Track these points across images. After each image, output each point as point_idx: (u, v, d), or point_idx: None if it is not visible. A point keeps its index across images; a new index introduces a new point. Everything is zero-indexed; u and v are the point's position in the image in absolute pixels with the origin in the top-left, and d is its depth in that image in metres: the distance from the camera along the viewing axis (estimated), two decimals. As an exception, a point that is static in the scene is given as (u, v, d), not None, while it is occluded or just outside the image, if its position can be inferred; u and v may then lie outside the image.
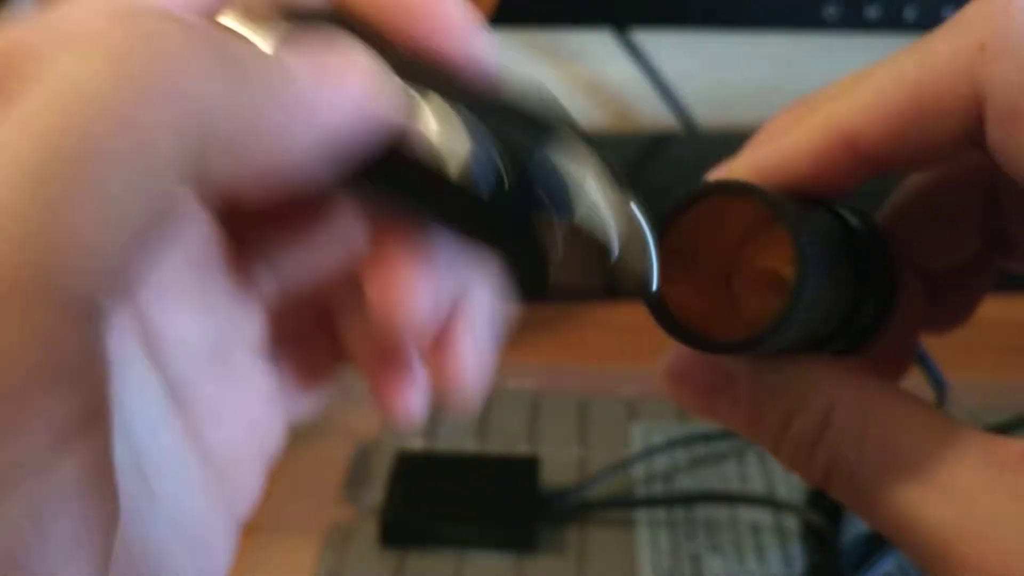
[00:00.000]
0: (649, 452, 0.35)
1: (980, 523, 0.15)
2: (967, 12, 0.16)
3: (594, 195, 0.14)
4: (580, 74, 0.65)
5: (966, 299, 0.22)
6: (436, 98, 0.14)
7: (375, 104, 0.14)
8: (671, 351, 0.19)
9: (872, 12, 0.49)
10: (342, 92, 0.14)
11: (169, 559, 0.17)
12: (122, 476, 0.15)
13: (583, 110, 0.66)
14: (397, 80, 0.14)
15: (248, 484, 0.20)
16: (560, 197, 0.14)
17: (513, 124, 0.14)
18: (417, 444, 0.36)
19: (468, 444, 0.36)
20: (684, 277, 0.17)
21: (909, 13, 0.49)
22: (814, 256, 0.16)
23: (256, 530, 0.32)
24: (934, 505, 0.16)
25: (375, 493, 0.33)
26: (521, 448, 0.36)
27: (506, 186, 0.14)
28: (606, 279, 0.15)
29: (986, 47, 0.15)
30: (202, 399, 0.18)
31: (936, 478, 0.16)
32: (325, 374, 0.21)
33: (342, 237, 0.20)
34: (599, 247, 0.14)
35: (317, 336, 0.20)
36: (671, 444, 0.35)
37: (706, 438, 0.36)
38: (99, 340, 0.12)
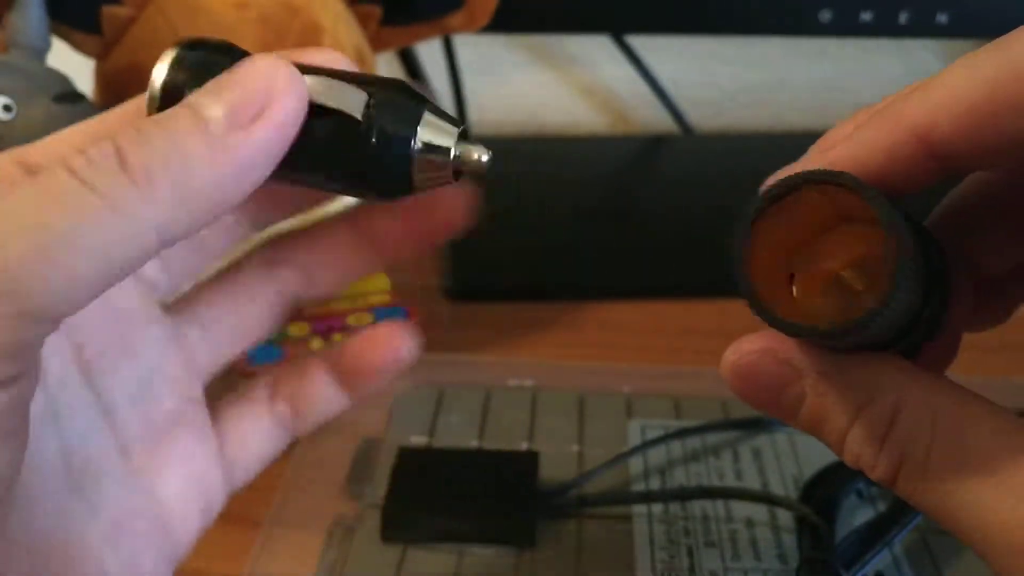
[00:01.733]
0: (646, 446, 0.36)
1: None
2: None
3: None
4: (579, 78, 0.65)
5: (1011, 301, 0.22)
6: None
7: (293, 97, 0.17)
8: (736, 346, 0.19)
9: (866, 16, 0.50)
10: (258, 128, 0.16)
11: (102, 567, 0.18)
12: (49, 466, 0.18)
13: (582, 113, 0.67)
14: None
15: (185, 528, 0.21)
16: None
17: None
18: (419, 441, 0.37)
19: (469, 441, 0.37)
20: (776, 266, 0.18)
21: (903, 17, 0.50)
22: (909, 250, 0.16)
23: (261, 523, 0.33)
24: (1009, 506, 0.16)
25: (378, 488, 0.34)
26: (520, 445, 0.36)
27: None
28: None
29: None
30: (137, 434, 0.21)
31: (1009, 478, 0.16)
32: (270, 446, 0.23)
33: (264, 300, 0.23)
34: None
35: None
36: (667, 438, 0.36)
37: (701, 430, 0.36)
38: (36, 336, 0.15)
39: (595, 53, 0.64)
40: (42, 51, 0.34)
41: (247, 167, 0.16)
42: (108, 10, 0.36)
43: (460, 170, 0.18)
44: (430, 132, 0.18)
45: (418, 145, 0.18)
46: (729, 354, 0.19)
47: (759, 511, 0.33)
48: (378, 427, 0.37)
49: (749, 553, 0.32)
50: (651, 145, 0.62)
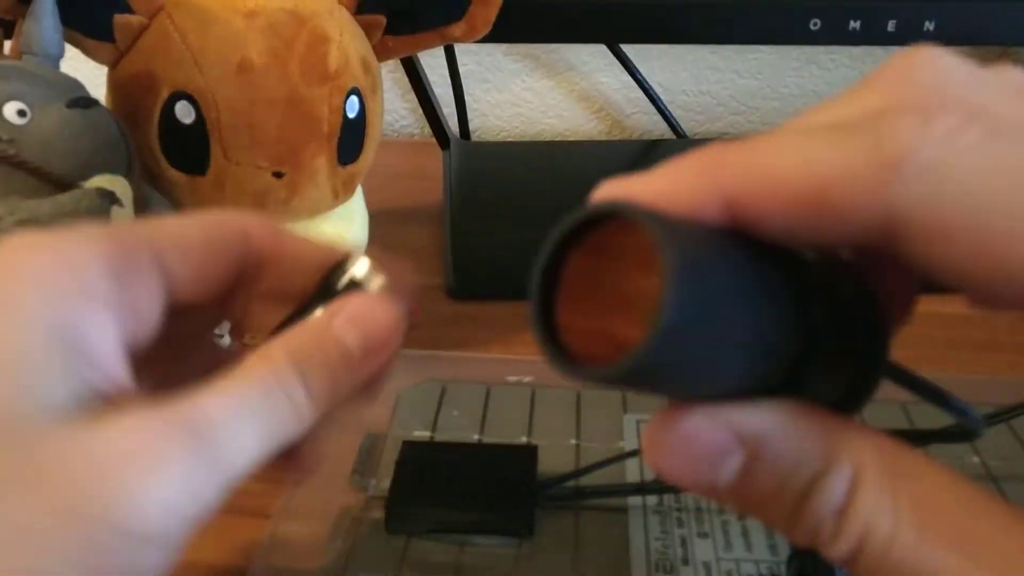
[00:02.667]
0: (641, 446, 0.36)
1: None
2: (889, 119, 0.15)
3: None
4: (576, 85, 0.66)
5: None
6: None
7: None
8: (662, 417, 0.17)
9: (855, 25, 0.50)
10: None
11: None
12: None
13: (579, 119, 0.67)
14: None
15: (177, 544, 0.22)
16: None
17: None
18: (422, 435, 0.37)
19: (470, 435, 0.37)
20: (583, 307, 0.15)
21: (891, 25, 0.51)
22: (689, 271, 0.14)
23: (270, 516, 0.33)
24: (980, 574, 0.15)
25: (382, 481, 0.35)
26: (520, 439, 0.37)
27: None
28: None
29: (902, 164, 0.14)
30: None
31: (978, 546, 0.15)
32: None
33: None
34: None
35: None
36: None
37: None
38: None
39: (591, 61, 0.65)
40: (56, 58, 0.35)
41: (371, 376, 0.24)
42: (120, 18, 0.36)
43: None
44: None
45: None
46: (654, 423, 0.17)
47: (750, 503, 0.34)
48: (382, 422, 0.38)
49: (741, 544, 0.33)
50: (645, 150, 0.63)
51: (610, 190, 0.17)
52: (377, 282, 0.25)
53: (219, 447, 0.20)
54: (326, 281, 0.25)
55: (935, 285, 0.15)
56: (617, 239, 0.15)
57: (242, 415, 0.20)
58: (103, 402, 0.20)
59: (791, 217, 0.15)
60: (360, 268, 0.25)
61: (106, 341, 0.21)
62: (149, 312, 0.23)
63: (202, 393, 0.20)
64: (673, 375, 0.15)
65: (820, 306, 0.16)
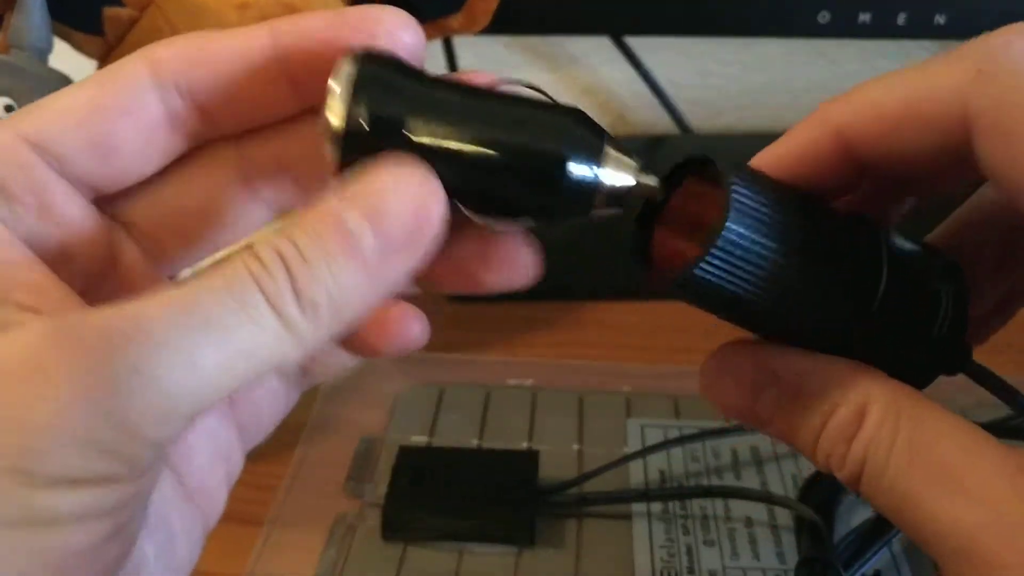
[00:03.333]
0: (646, 452, 0.36)
1: (1009, 527, 0.16)
2: (971, 43, 0.18)
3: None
4: (579, 79, 0.65)
5: (986, 329, 0.23)
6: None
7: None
8: (716, 352, 0.20)
9: (864, 18, 0.50)
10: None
11: (143, 552, 0.18)
12: None
13: (581, 113, 0.67)
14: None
15: (213, 501, 0.22)
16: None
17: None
18: (419, 440, 0.37)
19: (469, 440, 0.37)
20: (672, 232, 0.19)
21: (901, 18, 0.50)
22: (744, 204, 0.17)
23: (263, 522, 0.33)
24: (963, 508, 0.16)
25: (378, 487, 0.34)
26: (520, 444, 0.37)
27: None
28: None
29: (980, 72, 0.17)
30: None
31: (966, 483, 0.16)
32: (281, 406, 0.23)
33: None
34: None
35: None
36: (667, 439, 0.36)
37: (701, 433, 0.36)
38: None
39: (595, 54, 0.64)
40: (44, 52, 0.34)
41: (394, 286, 0.17)
42: (109, 11, 0.36)
43: (631, 197, 0.18)
44: (612, 169, 0.18)
45: (603, 186, 0.18)
46: (709, 359, 0.20)
47: (758, 510, 0.34)
48: (379, 426, 0.37)
49: (748, 552, 0.32)
50: (650, 145, 0.62)
51: (759, 157, 0.20)
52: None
53: (142, 370, 0.15)
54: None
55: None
56: (709, 185, 0.18)
57: (190, 328, 0.15)
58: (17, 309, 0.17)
59: (886, 131, 0.18)
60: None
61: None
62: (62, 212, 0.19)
63: (140, 299, 0.16)
64: (722, 293, 0.18)
65: (887, 279, 0.19)
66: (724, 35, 0.55)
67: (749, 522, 0.33)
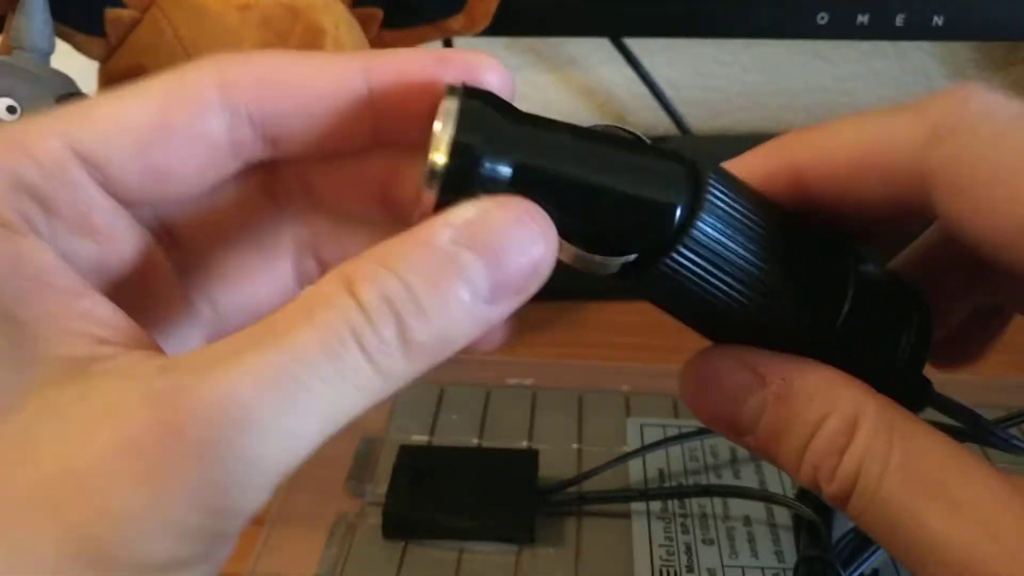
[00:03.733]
0: (645, 449, 0.36)
1: (1004, 548, 0.15)
2: (930, 98, 0.18)
3: None
4: (578, 80, 0.65)
5: (978, 343, 0.23)
6: None
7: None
8: (696, 354, 0.19)
9: (863, 19, 0.50)
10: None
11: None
12: None
13: (581, 114, 0.67)
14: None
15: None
16: None
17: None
18: (420, 439, 0.37)
19: (469, 439, 0.37)
20: None
21: (899, 19, 0.50)
22: (717, 203, 0.17)
23: (264, 521, 0.33)
24: (958, 527, 0.16)
25: (379, 486, 0.34)
26: (520, 443, 0.37)
27: None
28: None
29: (939, 128, 0.17)
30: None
31: (960, 501, 0.16)
32: None
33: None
34: None
35: None
36: (667, 436, 0.36)
37: (700, 431, 0.36)
38: None
39: (594, 55, 0.64)
40: (46, 53, 0.34)
41: (491, 329, 0.16)
42: (111, 12, 0.36)
43: None
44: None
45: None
46: (689, 365, 0.19)
47: (757, 509, 0.34)
48: (379, 425, 0.37)
49: (747, 551, 0.32)
50: (649, 147, 0.62)
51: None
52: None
53: (245, 456, 0.14)
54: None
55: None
56: None
57: (291, 406, 0.14)
58: (94, 344, 0.15)
59: (843, 178, 0.18)
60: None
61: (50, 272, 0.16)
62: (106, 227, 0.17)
63: (221, 356, 0.14)
64: (685, 291, 0.17)
65: (852, 299, 0.18)
66: (723, 36, 0.56)
67: (748, 521, 0.33)
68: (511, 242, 0.16)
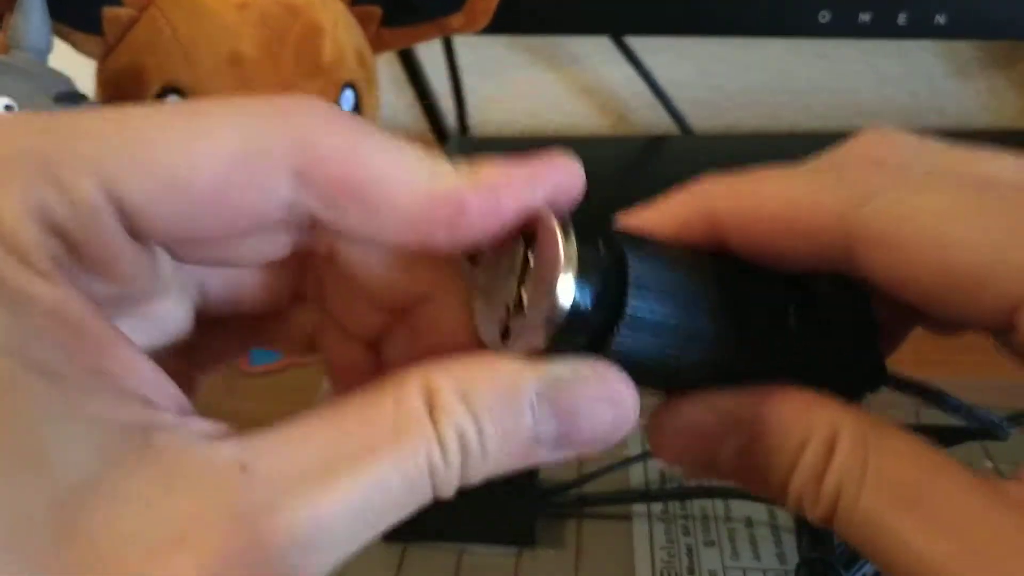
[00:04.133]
0: (646, 452, 0.36)
1: (984, 557, 0.15)
2: (850, 154, 0.19)
3: None
4: (579, 79, 0.65)
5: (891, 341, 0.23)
6: None
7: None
8: (661, 408, 0.19)
9: (865, 17, 0.50)
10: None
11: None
12: None
13: (582, 114, 0.67)
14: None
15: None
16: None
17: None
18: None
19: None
20: None
21: (901, 18, 0.50)
22: (642, 278, 0.16)
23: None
24: (935, 540, 0.16)
25: (378, 488, 0.34)
26: (520, 444, 0.37)
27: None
28: None
29: (857, 190, 0.17)
30: None
31: (938, 512, 0.16)
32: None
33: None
34: None
35: None
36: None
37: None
38: None
39: (595, 54, 0.64)
40: (43, 52, 0.34)
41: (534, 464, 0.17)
42: (109, 11, 0.36)
43: None
44: None
45: None
46: (655, 418, 0.19)
47: (758, 510, 0.34)
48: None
49: (748, 552, 0.32)
50: (651, 146, 0.62)
51: (627, 220, 0.19)
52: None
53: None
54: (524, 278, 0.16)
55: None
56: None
57: (367, 522, 0.15)
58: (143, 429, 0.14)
59: (768, 232, 0.18)
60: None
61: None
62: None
63: (308, 473, 0.14)
64: (642, 363, 0.17)
65: (794, 313, 0.19)
66: (724, 35, 0.55)
67: (749, 522, 0.33)
68: (592, 418, 0.16)
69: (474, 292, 0.18)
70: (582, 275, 0.16)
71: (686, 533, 0.33)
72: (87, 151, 0.14)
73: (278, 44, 0.36)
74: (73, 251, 0.15)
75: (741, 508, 0.34)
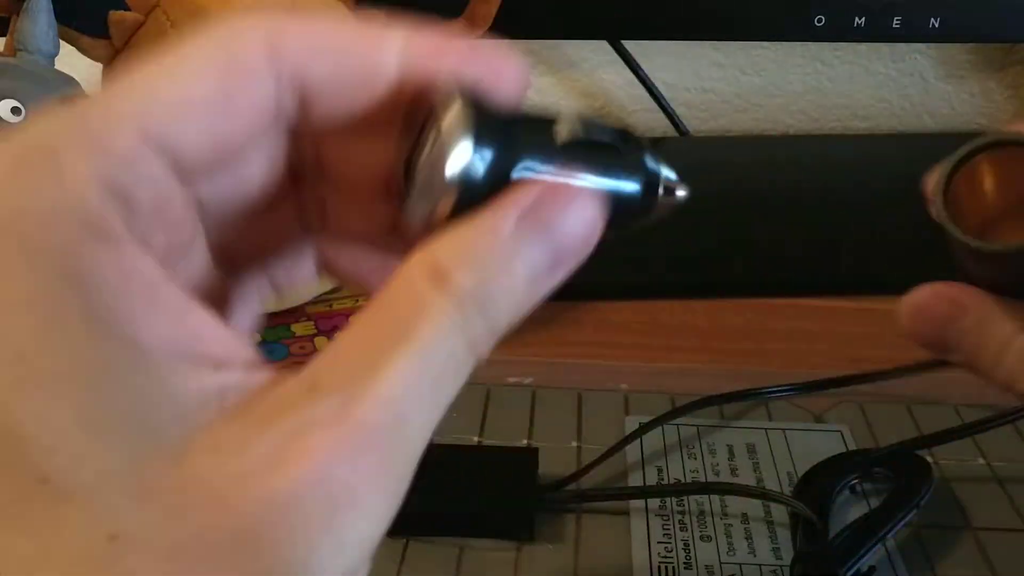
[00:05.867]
0: (642, 430, 0.36)
1: None
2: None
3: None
4: (577, 82, 0.66)
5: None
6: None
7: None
8: (912, 292, 0.23)
9: (859, 21, 0.50)
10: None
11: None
12: None
13: (579, 116, 0.67)
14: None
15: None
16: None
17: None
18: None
19: (469, 437, 0.37)
20: (973, 209, 0.21)
21: (895, 22, 0.50)
22: None
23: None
24: None
25: (380, 484, 0.34)
26: (520, 441, 0.37)
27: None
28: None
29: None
30: None
31: None
32: None
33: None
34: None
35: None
36: (663, 413, 0.37)
37: (696, 407, 0.37)
38: None
39: (593, 58, 0.64)
40: (51, 55, 0.35)
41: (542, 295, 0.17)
42: (115, 15, 0.36)
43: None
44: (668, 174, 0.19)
45: (662, 190, 0.19)
46: (906, 298, 0.23)
47: (754, 506, 0.34)
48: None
49: (744, 547, 0.32)
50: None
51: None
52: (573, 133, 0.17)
53: (408, 451, 0.15)
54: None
55: None
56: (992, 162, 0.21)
57: (423, 390, 0.15)
58: (211, 368, 0.14)
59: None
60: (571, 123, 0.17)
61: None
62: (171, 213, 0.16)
63: (367, 364, 0.15)
64: None
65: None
66: (720, 39, 0.56)
67: (745, 518, 0.34)
68: (568, 217, 0.17)
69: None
70: (481, 134, 0.16)
71: (683, 528, 0.33)
72: (118, 103, 0.15)
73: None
74: (129, 207, 0.15)
75: (737, 504, 0.34)
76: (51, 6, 0.34)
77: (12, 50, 0.34)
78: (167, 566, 0.13)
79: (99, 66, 0.38)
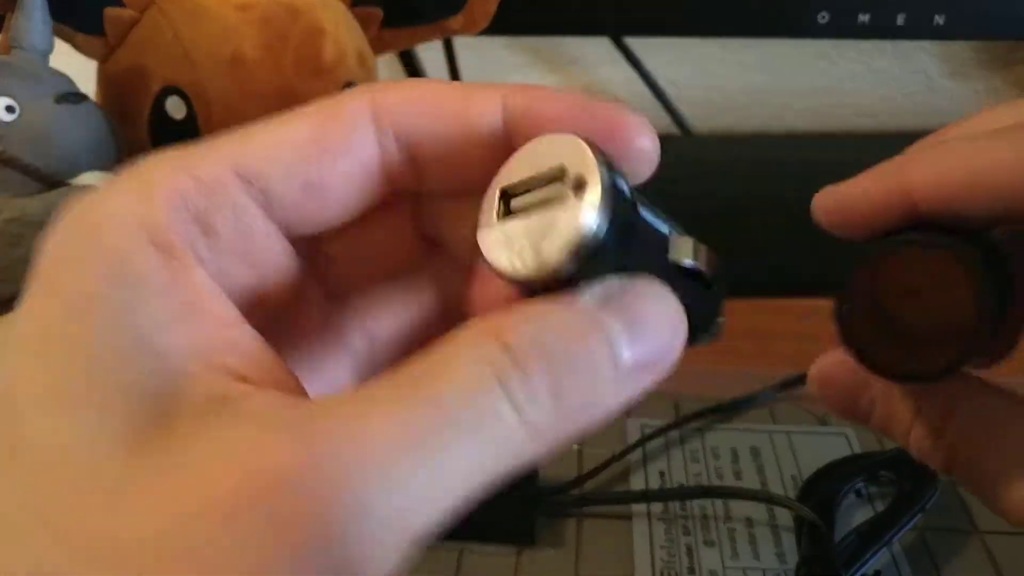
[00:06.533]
0: (644, 440, 0.36)
1: None
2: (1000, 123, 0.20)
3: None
4: (579, 80, 0.65)
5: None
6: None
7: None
8: (819, 360, 0.23)
9: (864, 18, 0.50)
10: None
11: None
12: None
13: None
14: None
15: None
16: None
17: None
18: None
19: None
20: (871, 319, 0.20)
21: (900, 19, 0.50)
22: (993, 305, 0.19)
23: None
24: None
25: (378, 487, 0.34)
26: (521, 444, 0.37)
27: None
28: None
29: None
30: None
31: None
32: None
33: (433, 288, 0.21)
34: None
35: None
36: (666, 430, 0.36)
37: (700, 431, 0.36)
38: None
39: (594, 55, 0.64)
40: (45, 52, 0.34)
41: (628, 402, 0.16)
42: (111, 12, 0.36)
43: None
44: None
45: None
46: (813, 368, 0.23)
47: (758, 510, 0.34)
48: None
49: (748, 552, 0.32)
50: (650, 146, 0.62)
51: (825, 196, 0.21)
52: (686, 252, 0.17)
53: (367, 514, 0.14)
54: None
55: None
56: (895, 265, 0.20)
57: (424, 449, 0.13)
58: (233, 379, 0.15)
59: (953, 196, 0.19)
60: (684, 247, 0.17)
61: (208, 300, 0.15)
62: (264, 253, 0.17)
63: (354, 402, 0.14)
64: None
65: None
66: (724, 36, 0.56)
67: (749, 522, 0.33)
68: (654, 320, 0.16)
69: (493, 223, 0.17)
70: (614, 201, 0.15)
71: (686, 533, 0.33)
72: (213, 145, 0.17)
73: (279, 45, 0.36)
74: (208, 230, 0.16)
75: (741, 508, 0.34)
76: (46, 3, 0.34)
77: (6, 47, 0.34)
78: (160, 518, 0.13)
79: (94, 63, 0.38)
